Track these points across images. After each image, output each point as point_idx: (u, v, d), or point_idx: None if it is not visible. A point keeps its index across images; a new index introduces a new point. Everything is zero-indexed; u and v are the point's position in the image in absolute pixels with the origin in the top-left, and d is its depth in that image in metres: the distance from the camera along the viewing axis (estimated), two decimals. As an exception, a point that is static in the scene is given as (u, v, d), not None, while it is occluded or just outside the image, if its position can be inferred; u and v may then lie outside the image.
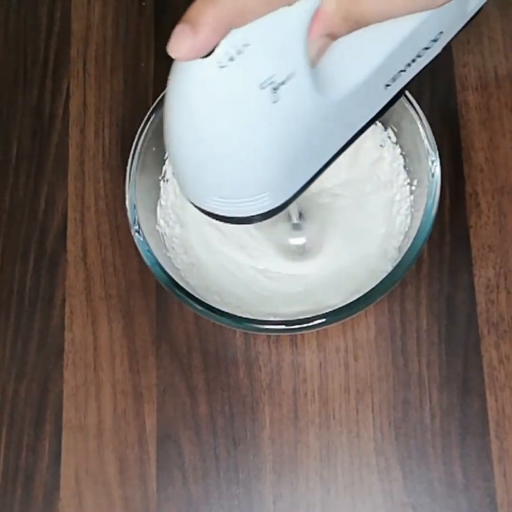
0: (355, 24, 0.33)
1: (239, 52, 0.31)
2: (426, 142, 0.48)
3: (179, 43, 0.30)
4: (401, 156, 0.52)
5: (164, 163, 0.53)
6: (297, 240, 0.52)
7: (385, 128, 0.52)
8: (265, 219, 0.39)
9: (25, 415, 0.53)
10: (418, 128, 0.48)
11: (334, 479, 0.50)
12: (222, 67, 0.31)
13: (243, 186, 0.37)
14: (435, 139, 0.48)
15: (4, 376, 0.54)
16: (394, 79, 0.38)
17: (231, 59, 0.31)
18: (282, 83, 0.32)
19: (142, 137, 0.50)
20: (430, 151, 0.48)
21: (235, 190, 0.37)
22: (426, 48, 0.38)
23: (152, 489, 0.51)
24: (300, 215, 0.50)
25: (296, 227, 0.51)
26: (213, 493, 0.51)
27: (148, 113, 0.50)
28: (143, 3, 0.61)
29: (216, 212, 0.39)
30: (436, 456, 0.50)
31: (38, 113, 0.59)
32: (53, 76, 0.60)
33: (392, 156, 0.52)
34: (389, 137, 0.52)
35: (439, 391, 0.51)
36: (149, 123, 0.50)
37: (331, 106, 0.36)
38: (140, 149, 0.50)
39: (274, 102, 0.33)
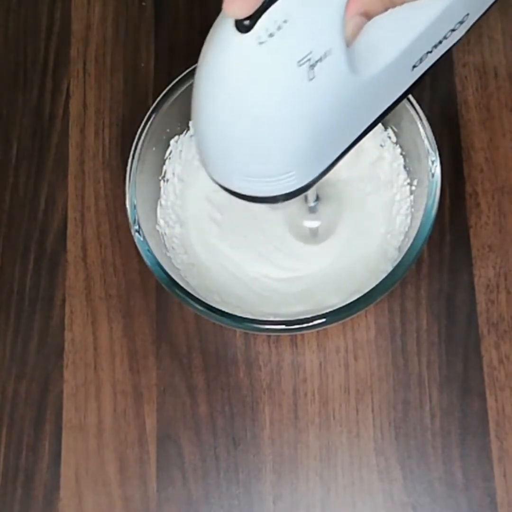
0: (389, 2, 0.34)
1: (279, 28, 0.31)
2: (426, 142, 0.48)
3: (233, 4, 0.31)
4: (401, 156, 0.52)
5: (164, 163, 0.53)
6: (312, 223, 0.52)
7: (385, 128, 0.52)
8: (289, 199, 0.39)
9: (25, 415, 0.53)
10: (418, 128, 0.48)
11: (334, 479, 0.50)
12: (262, 43, 0.31)
13: (271, 164, 0.36)
14: (435, 139, 0.48)
15: (4, 376, 0.54)
16: (421, 60, 0.39)
17: (271, 35, 0.31)
18: (319, 60, 0.33)
19: (142, 137, 0.50)
20: (430, 151, 0.48)
21: (263, 168, 0.37)
22: (453, 30, 0.39)
23: (152, 489, 0.51)
24: (317, 198, 0.51)
25: (312, 210, 0.51)
26: (213, 493, 0.51)
27: (148, 113, 0.50)
28: (143, 3, 0.61)
29: (241, 191, 0.38)
30: (436, 456, 0.50)
31: (38, 113, 0.59)
32: (53, 76, 0.60)
33: (392, 156, 0.52)
34: (389, 137, 0.52)
35: (439, 391, 0.51)
36: (149, 123, 0.50)
37: (362, 85, 0.36)
38: (140, 149, 0.50)
39: (310, 79, 0.33)
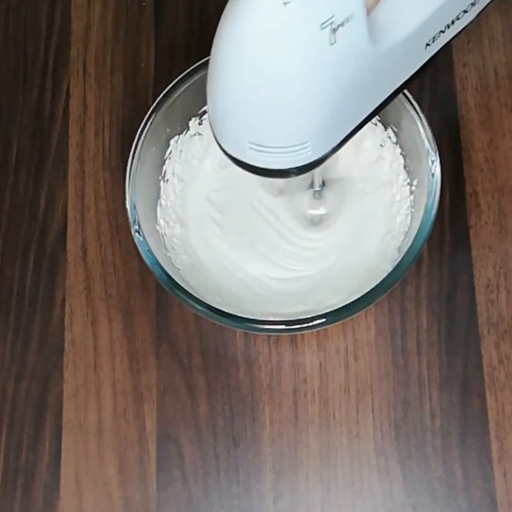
0: None
1: None
2: (426, 142, 0.48)
3: None
4: (401, 156, 0.52)
5: (164, 163, 0.53)
6: (316, 210, 0.52)
7: (385, 128, 0.52)
8: (300, 173, 0.39)
9: (25, 415, 0.53)
10: (418, 128, 0.48)
11: (334, 479, 0.50)
12: (286, 3, 0.32)
13: (287, 133, 0.36)
14: (435, 139, 0.48)
15: (4, 376, 0.54)
16: (434, 39, 0.40)
17: None
18: (341, 25, 0.33)
19: (142, 137, 0.50)
20: (430, 151, 0.48)
21: (278, 137, 0.36)
22: (465, 11, 0.40)
23: (152, 489, 0.51)
24: (323, 183, 0.50)
25: (317, 195, 0.51)
26: (213, 493, 0.51)
27: (148, 113, 0.50)
28: (143, 3, 0.61)
29: (253, 163, 0.38)
30: (436, 456, 0.50)
31: (38, 113, 0.59)
32: (53, 76, 0.60)
33: (392, 156, 0.52)
34: (389, 137, 0.52)
35: (439, 391, 0.51)
36: (149, 123, 0.50)
37: (379, 57, 0.36)
38: (140, 149, 0.50)
39: (331, 44, 0.33)
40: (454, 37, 0.42)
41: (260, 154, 0.37)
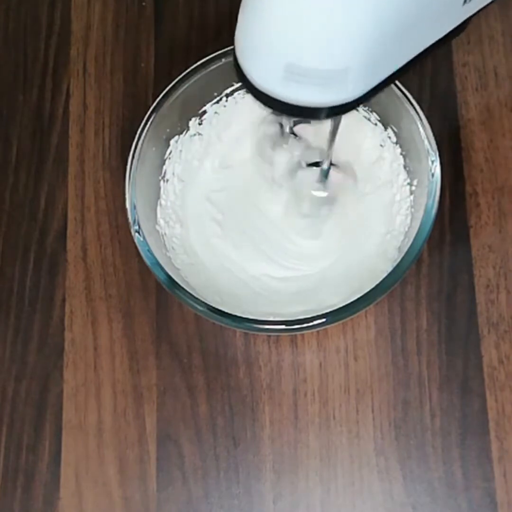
0: None
1: None
2: (426, 142, 0.48)
3: None
4: (401, 156, 0.52)
5: (164, 163, 0.53)
6: (320, 193, 0.52)
7: (385, 128, 0.52)
8: (331, 115, 0.37)
9: (25, 415, 0.53)
10: (418, 128, 0.48)
11: (334, 479, 0.50)
12: None
13: (329, 50, 0.34)
14: (435, 139, 0.48)
15: (4, 376, 0.54)
16: None
17: None
18: None
19: (142, 137, 0.50)
20: (430, 151, 0.48)
21: (319, 55, 0.34)
22: None
23: (152, 489, 0.51)
24: (331, 165, 0.50)
25: (322, 177, 0.51)
26: (213, 493, 0.51)
27: (148, 113, 0.50)
28: (143, 3, 0.61)
29: (284, 97, 0.35)
30: (436, 456, 0.50)
31: (38, 113, 0.59)
32: (53, 76, 0.60)
33: (392, 156, 0.52)
34: (389, 137, 0.52)
35: (439, 391, 0.51)
36: (149, 123, 0.50)
37: None
38: (140, 149, 0.50)
39: None
40: (484, 8, 0.41)
41: (294, 84, 0.35)
